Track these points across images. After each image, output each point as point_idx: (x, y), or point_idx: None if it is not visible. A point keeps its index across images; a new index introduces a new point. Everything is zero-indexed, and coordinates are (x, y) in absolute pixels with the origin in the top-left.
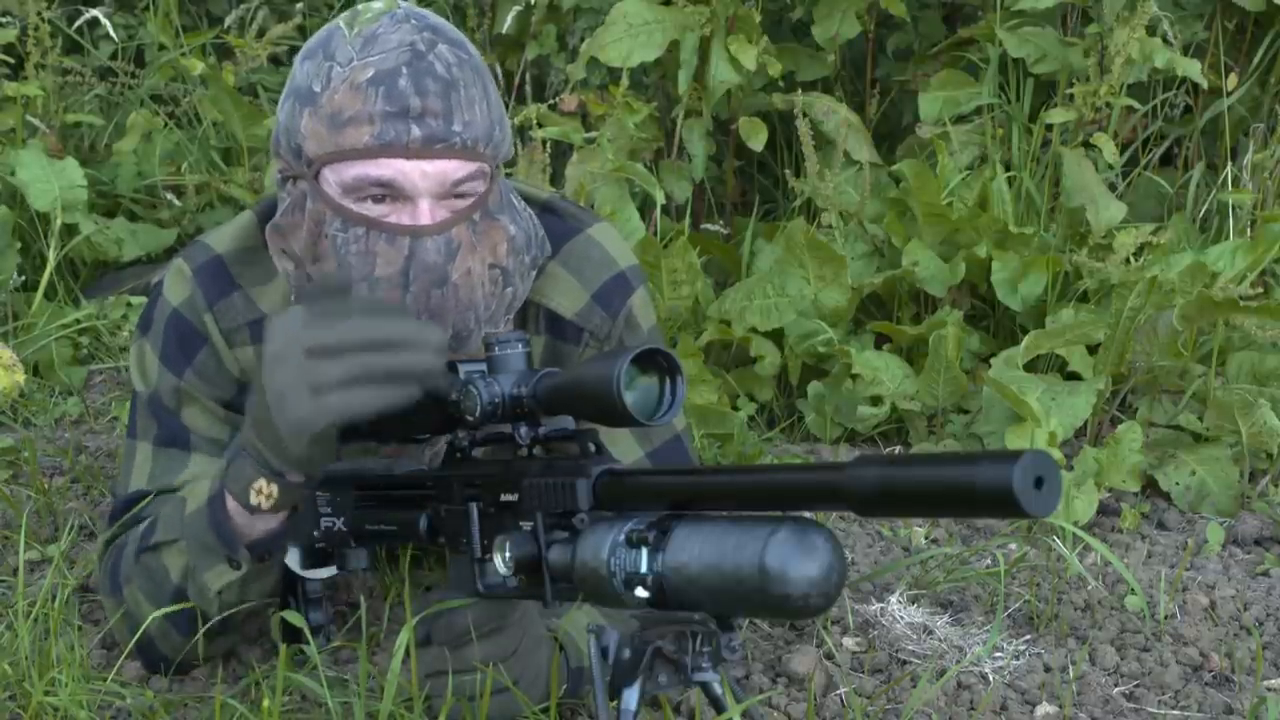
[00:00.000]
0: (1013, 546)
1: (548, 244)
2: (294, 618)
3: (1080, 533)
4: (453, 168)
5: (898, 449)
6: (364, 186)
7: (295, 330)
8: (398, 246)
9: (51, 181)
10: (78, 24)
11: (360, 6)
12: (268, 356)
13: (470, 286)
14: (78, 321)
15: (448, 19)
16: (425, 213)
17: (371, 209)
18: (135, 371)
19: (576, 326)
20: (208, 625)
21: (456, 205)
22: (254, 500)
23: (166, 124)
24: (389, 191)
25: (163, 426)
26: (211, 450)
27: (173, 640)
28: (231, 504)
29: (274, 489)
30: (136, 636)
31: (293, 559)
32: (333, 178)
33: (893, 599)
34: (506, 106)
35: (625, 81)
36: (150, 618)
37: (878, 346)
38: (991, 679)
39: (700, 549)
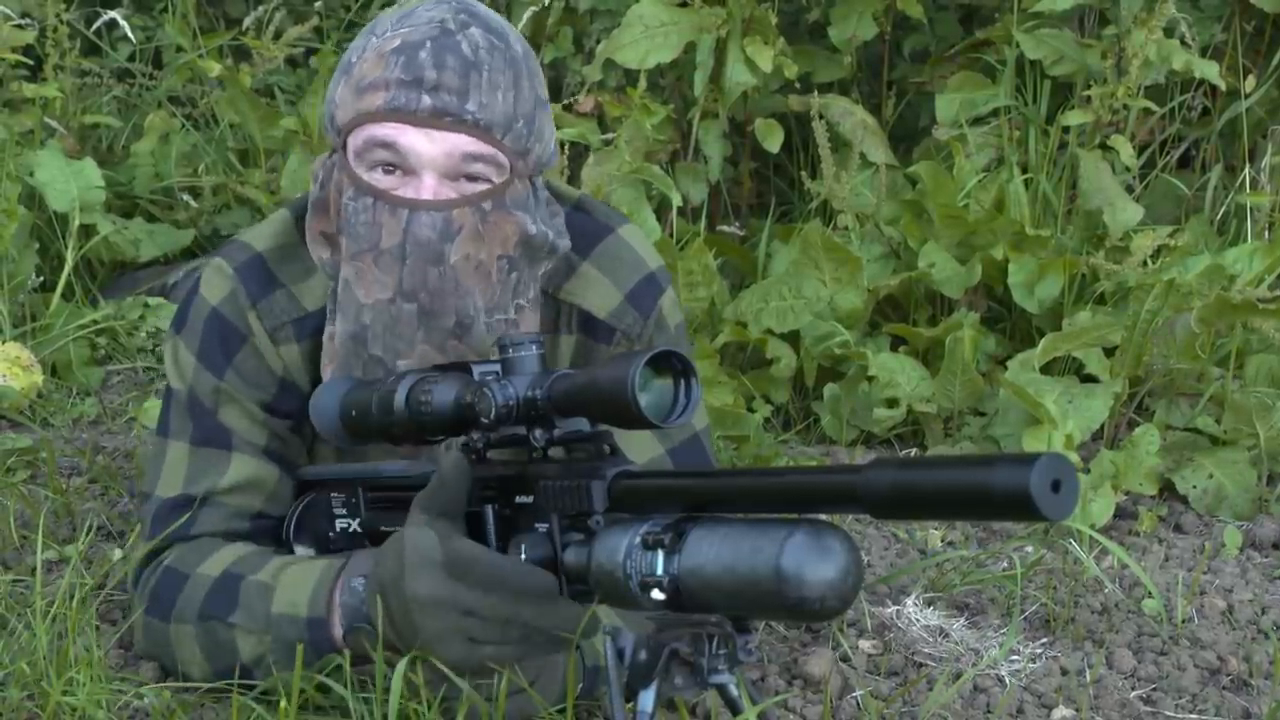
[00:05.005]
0: (1029, 549)
1: (567, 240)
2: None
3: (1097, 536)
4: (461, 143)
5: (914, 451)
6: (371, 149)
7: (442, 582)
8: (398, 218)
9: (69, 182)
10: (96, 25)
11: None
12: (411, 591)
13: (471, 273)
14: (95, 322)
15: None
16: (427, 188)
17: (381, 179)
18: (170, 369)
19: (609, 326)
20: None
21: (465, 188)
22: (364, 649)
23: (184, 125)
24: (395, 159)
25: (199, 426)
26: (251, 452)
27: (204, 673)
28: (344, 645)
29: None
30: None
31: None
32: (352, 144)
33: (909, 601)
34: None
35: (643, 83)
36: (195, 658)
37: (894, 349)
38: (1008, 682)
39: (716, 551)
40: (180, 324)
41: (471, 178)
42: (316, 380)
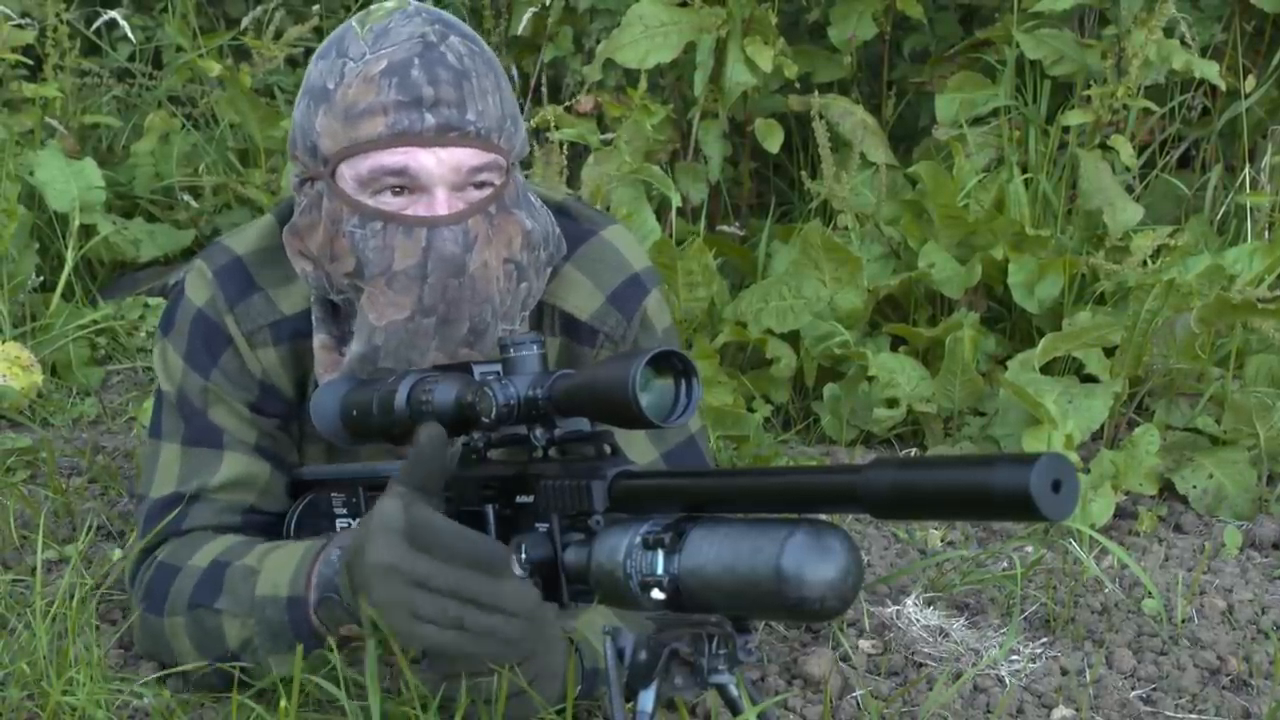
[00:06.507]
0: (1029, 549)
1: (564, 243)
2: None
3: (1097, 536)
4: (468, 156)
5: (914, 451)
6: (380, 177)
7: (399, 549)
8: (415, 238)
9: (69, 182)
10: (96, 25)
11: (373, 6)
12: (370, 558)
13: (486, 279)
14: (95, 322)
15: (464, 21)
16: (442, 203)
17: (388, 203)
18: (160, 372)
19: (591, 328)
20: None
21: (473, 196)
22: (343, 632)
23: (184, 125)
24: (405, 182)
25: (191, 426)
26: (242, 450)
27: (197, 664)
28: (318, 623)
29: (356, 629)
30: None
31: None
32: (349, 173)
33: (909, 601)
34: (522, 109)
35: (643, 83)
36: (186, 655)
37: (894, 349)
38: (1008, 682)
39: (716, 551)
40: (168, 326)
41: (478, 185)
42: (299, 383)
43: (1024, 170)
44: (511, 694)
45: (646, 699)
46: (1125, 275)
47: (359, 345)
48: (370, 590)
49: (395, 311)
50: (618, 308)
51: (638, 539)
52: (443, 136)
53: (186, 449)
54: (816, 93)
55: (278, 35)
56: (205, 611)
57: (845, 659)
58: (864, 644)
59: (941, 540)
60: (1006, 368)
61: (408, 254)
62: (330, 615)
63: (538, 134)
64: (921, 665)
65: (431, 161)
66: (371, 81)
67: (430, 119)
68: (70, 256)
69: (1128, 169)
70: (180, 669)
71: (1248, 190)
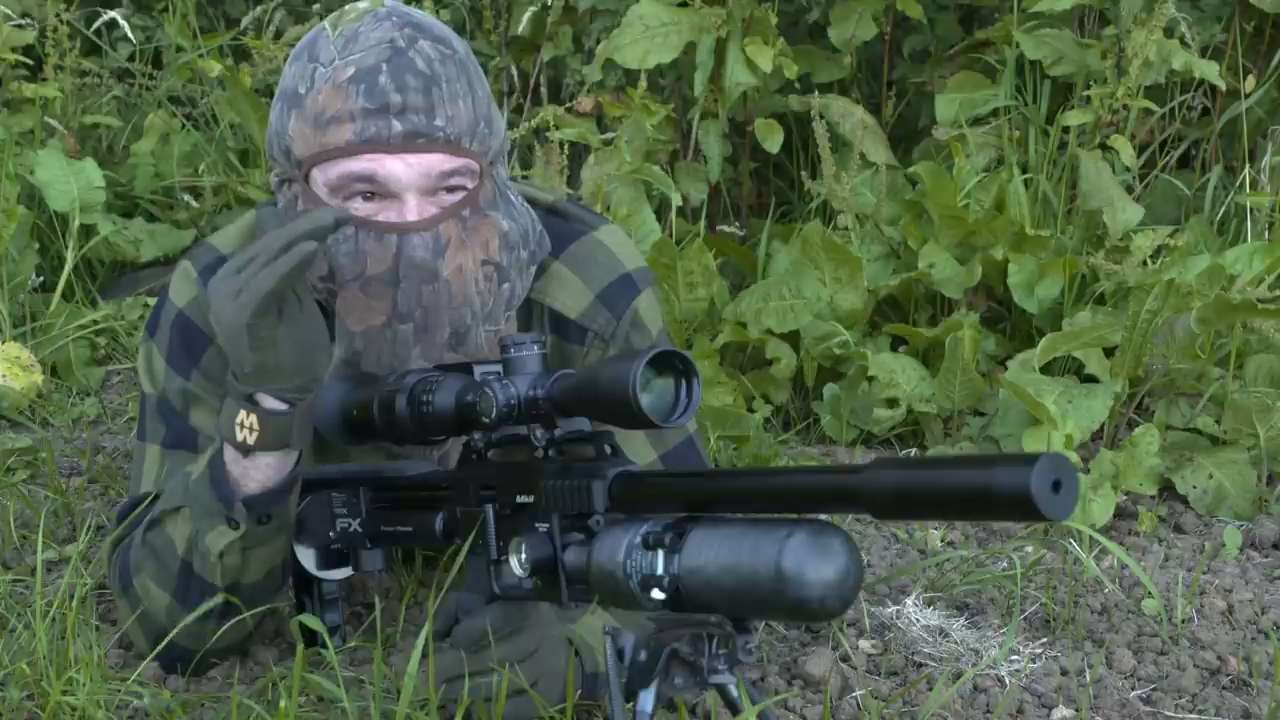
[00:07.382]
0: (1029, 549)
1: (547, 240)
2: (312, 621)
3: (1097, 536)
4: (437, 162)
5: (914, 451)
6: (349, 184)
7: (230, 263)
8: (386, 244)
9: (70, 182)
10: (96, 25)
11: (346, 7)
12: (209, 290)
13: (463, 283)
14: (95, 322)
15: (464, 21)
16: (412, 209)
17: (360, 208)
18: (143, 374)
19: (581, 327)
20: (218, 601)
21: (445, 201)
22: (239, 436)
23: (184, 125)
24: (374, 188)
25: (171, 429)
26: None
27: (188, 628)
28: (228, 453)
29: (253, 419)
30: (165, 641)
31: (308, 560)
32: (321, 178)
33: (909, 602)
34: (522, 109)
35: (643, 83)
36: (155, 596)
37: (894, 349)
38: (1008, 682)
39: (716, 551)
40: (153, 328)
41: (450, 189)
42: None
43: (1024, 170)
44: (512, 694)
45: (646, 699)
46: (1125, 275)
47: (340, 350)
48: (211, 309)
49: (371, 317)
50: (607, 306)
51: (638, 539)
52: (410, 143)
53: (166, 451)
54: (816, 93)
55: (278, 35)
56: (154, 532)
57: (845, 659)
58: (864, 644)
59: (941, 540)
60: (1006, 368)
61: (379, 260)
62: (226, 418)
63: (538, 134)
64: (921, 665)
65: (399, 168)
66: (340, 88)
67: (398, 126)
68: (70, 256)
69: (1128, 169)
70: (180, 663)
71: (1248, 190)
